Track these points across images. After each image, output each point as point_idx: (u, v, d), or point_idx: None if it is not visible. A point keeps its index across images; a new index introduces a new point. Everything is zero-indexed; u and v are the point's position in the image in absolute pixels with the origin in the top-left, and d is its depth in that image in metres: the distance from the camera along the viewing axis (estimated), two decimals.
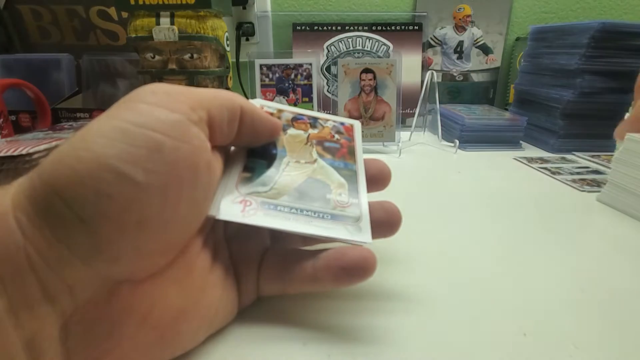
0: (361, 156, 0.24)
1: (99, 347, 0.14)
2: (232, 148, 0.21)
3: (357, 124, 0.27)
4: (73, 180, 0.13)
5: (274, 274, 0.19)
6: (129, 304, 0.14)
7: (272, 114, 0.24)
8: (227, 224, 0.19)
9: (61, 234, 0.13)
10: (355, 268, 0.18)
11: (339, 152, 0.24)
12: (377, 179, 0.23)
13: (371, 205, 0.21)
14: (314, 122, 0.25)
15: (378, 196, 0.23)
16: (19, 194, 0.13)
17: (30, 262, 0.12)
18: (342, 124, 0.26)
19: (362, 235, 0.19)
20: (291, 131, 0.23)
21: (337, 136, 0.25)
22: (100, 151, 0.13)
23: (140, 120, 0.14)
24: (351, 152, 0.24)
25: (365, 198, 0.21)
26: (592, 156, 0.50)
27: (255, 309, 0.20)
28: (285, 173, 0.21)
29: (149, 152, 0.14)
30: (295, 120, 0.24)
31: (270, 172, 0.20)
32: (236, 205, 0.18)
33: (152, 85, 0.16)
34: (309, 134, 0.24)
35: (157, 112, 0.15)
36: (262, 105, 0.24)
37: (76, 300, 0.13)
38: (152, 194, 0.14)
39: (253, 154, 0.21)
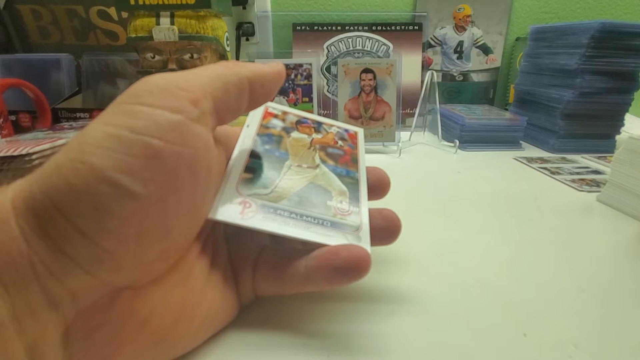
0: (364, 164, 0.24)
1: (99, 352, 0.14)
2: (235, 148, 0.21)
3: (360, 132, 0.26)
4: (71, 195, 0.12)
5: (268, 274, 0.19)
6: (130, 309, 0.14)
7: (276, 115, 0.24)
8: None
9: (63, 245, 0.12)
10: (348, 268, 0.17)
11: (342, 158, 0.23)
12: (376, 187, 0.23)
13: (370, 213, 0.21)
14: (318, 127, 0.25)
15: (380, 200, 0.23)
16: (20, 201, 0.13)
17: (34, 270, 0.12)
18: (346, 130, 0.26)
19: (361, 245, 0.19)
20: (295, 134, 0.23)
21: (340, 142, 0.25)
22: (96, 163, 0.12)
23: (136, 126, 0.13)
24: (354, 160, 0.24)
25: (366, 207, 0.21)
26: (599, 157, 0.50)
27: (254, 310, 0.20)
28: (286, 177, 0.20)
29: (147, 160, 0.13)
30: (300, 123, 0.24)
31: (272, 174, 0.20)
32: (235, 207, 0.18)
33: (148, 82, 0.15)
34: (313, 139, 0.24)
35: (155, 114, 0.14)
36: (266, 106, 0.24)
37: (79, 306, 0.13)
38: (152, 205, 0.13)
39: (255, 155, 0.21)
